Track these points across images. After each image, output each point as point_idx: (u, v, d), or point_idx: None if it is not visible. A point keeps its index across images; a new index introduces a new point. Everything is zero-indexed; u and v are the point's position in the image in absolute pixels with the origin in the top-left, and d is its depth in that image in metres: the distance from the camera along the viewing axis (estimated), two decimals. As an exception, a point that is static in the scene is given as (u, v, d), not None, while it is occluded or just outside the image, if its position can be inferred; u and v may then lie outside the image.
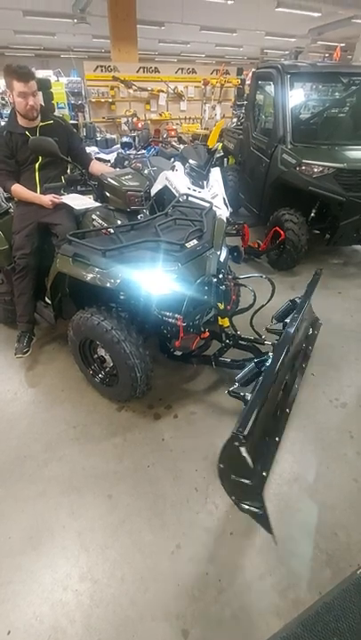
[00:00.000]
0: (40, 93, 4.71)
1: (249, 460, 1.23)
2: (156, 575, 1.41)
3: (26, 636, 1.25)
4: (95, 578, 1.41)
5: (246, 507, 1.37)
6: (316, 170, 3.19)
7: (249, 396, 1.65)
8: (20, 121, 2.16)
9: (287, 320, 2.14)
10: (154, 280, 1.71)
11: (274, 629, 1.24)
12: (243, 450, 1.21)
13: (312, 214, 3.47)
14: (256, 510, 1.33)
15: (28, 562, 1.45)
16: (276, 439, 1.64)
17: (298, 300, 2.15)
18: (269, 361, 1.71)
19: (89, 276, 1.73)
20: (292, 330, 1.80)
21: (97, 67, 8.14)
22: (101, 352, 2.05)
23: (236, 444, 1.22)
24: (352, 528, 1.56)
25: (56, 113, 5.33)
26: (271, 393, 1.49)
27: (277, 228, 3.51)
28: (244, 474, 1.30)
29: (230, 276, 2.27)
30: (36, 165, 2.22)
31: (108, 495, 1.68)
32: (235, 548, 1.50)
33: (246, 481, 1.31)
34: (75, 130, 2.62)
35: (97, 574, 1.42)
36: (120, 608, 1.33)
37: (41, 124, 2.21)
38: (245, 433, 1.21)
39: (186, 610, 1.32)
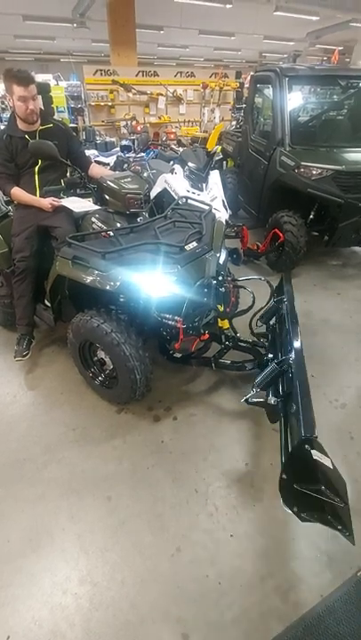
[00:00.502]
0: (40, 97, 4.74)
1: (326, 460, 1.15)
2: (156, 578, 1.41)
3: (25, 641, 1.25)
4: (95, 581, 1.40)
5: (315, 516, 1.24)
6: (314, 172, 3.21)
7: (272, 401, 1.63)
8: (20, 125, 2.17)
9: (271, 322, 2.14)
10: (153, 282, 1.71)
11: (275, 632, 1.24)
12: (315, 452, 1.15)
13: (311, 216, 3.48)
14: (328, 517, 1.20)
15: (28, 565, 1.44)
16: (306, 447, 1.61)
17: (284, 301, 2.14)
18: (292, 356, 1.67)
19: (88, 279, 1.73)
20: (296, 328, 1.80)
21: (96, 70, 8.19)
22: (101, 354, 2.05)
23: (307, 447, 1.15)
24: (353, 530, 1.55)
25: (56, 117, 5.35)
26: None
27: (276, 229, 3.52)
28: (316, 479, 1.20)
29: (229, 278, 2.27)
30: (36, 169, 2.23)
31: (107, 497, 1.67)
32: (235, 550, 1.49)
33: (320, 487, 1.20)
34: (74, 133, 2.63)
35: (97, 577, 1.41)
36: (120, 611, 1.32)
37: (40, 127, 2.22)
38: (315, 434, 1.15)
39: (186, 613, 1.31)
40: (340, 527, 1.18)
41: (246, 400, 1.70)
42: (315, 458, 1.15)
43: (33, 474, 1.78)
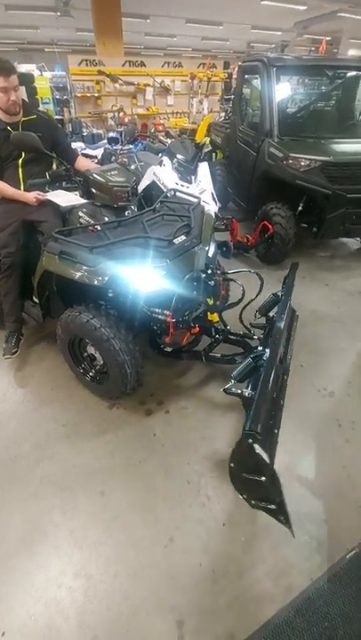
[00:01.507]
0: (23, 88, 4.63)
1: (265, 456, 1.21)
2: (149, 569, 1.42)
3: (20, 636, 1.25)
4: (89, 574, 1.41)
5: (261, 504, 1.33)
6: (302, 163, 3.21)
7: (247, 393, 1.66)
8: (2, 116, 2.12)
9: (271, 314, 2.16)
10: (142, 277, 1.70)
11: (267, 616, 1.27)
12: (257, 447, 1.20)
13: (299, 208, 3.49)
14: (271, 507, 1.30)
15: (21, 562, 1.44)
16: (275, 431, 1.65)
17: (280, 294, 2.16)
18: (267, 354, 1.70)
19: (76, 274, 1.72)
20: (281, 323, 1.82)
21: (82, 60, 8.04)
22: (91, 350, 2.04)
23: (251, 441, 1.20)
24: (341, 515, 1.59)
25: (40, 108, 5.24)
26: (272, 386, 1.49)
27: (266, 222, 3.52)
28: (258, 471, 1.26)
29: (219, 272, 2.27)
30: (20, 161, 2.19)
31: (100, 492, 1.68)
32: (228, 538, 1.52)
33: (261, 478, 1.27)
34: (59, 125, 2.58)
35: (91, 571, 1.42)
36: (114, 603, 1.34)
37: (23, 118, 2.17)
38: (259, 430, 1.20)
39: (180, 602, 1.33)
40: (281, 518, 1.27)
41: (225, 390, 1.72)
42: (257, 452, 1.20)
43: (24, 471, 1.77)
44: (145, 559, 1.45)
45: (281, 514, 1.26)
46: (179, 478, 1.73)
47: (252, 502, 1.33)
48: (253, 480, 1.26)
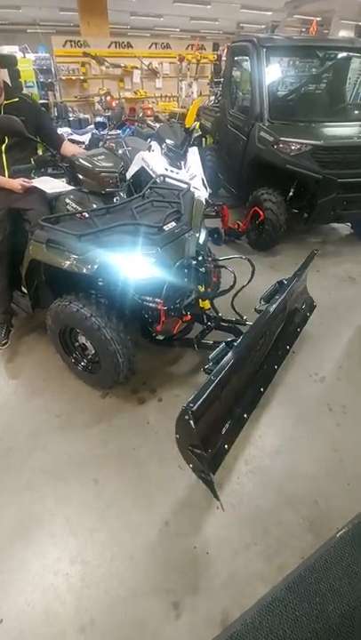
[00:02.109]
0: (5, 70, 4.48)
1: (196, 433, 1.29)
2: (145, 553, 1.44)
3: (18, 623, 1.27)
4: (85, 560, 1.43)
5: (202, 475, 1.44)
6: (293, 147, 3.17)
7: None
8: (-17, 99, 2.04)
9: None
10: (132, 264, 1.68)
11: (260, 594, 1.30)
12: (192, 423, 1.26)
13: (290, 193, 3.46)
14: (208, 479, 1.40)
15: (18, 552, 1.45)
16: (245, 416, 1.69)
17: (285, 281, 2.14)
18: (239, 339, 1.72)
19: (65, 263, 1.68)
20: (271, 309, 1.81)
21: (66, 42, 7.77)
22: (82, 340, 2.02)
23: (186, 417, 1.27)
24: (332, 495, 1.63)
25: (25, 92, 5.06)
26: (237, 371, 1.53)
27: (257, 207, 3.49)
28: (195, 445, 1.36)
29: (210, 259, 2.26)
30: (3, 147, 2.11)
31: (94, 480, 1.69)
32: (221, 521, 1.54)
33: (198, 451, 1.37)
34: (43, 108, 2.50)
35: (87, 557, 1.44)
36: (111, 587, 1.36)
37: (5, 102, 2.09)
38: (195, 408, 1.26)
39: (176, 583, 1.36)
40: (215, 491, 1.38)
41: (205, 369, 1.72)
42: (192, 427, 1.27)
43: (18, 462, 1.77)
44: (141, 543, 1.47)
45: (211, 487, 1.39)
46: (172, 464, 1.75)
47: (196, 472, 1.42)
48: (191, 452, 1.36)
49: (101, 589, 1.35)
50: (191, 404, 1.27)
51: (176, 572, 1.39)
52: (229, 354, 1.55)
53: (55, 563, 1.43)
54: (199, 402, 1.29)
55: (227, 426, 1.60)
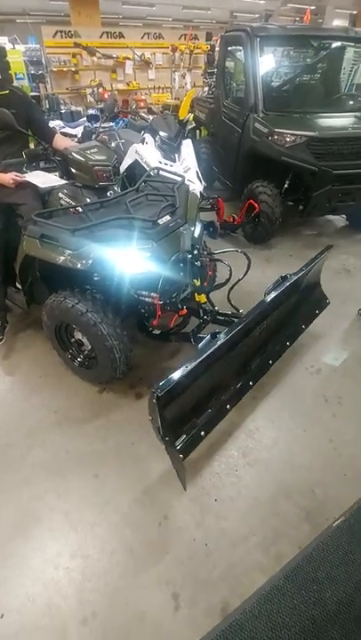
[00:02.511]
0: (-6, 62, 4.34)
1: (158, 417, 1.34)
2: (145, 546, 1.46)
3: (19, 617, 1.28)
4: (86, 554, 1.44)
5: (171, 456, 1.49)
6: (288, 139, 3.15)
7: None
8: (-28, 92, 2.00)
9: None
10: (127, 259, 1.67)
11: (259, 584, 1.33)
12: (157, 408, 1.31)
13: (285, 185, 3.44)
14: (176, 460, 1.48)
15: (18, 547, 1.46)
16: (227, 407, 1.72)
17: (289, 275, 2.07)
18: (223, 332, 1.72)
19: (59, 258, 1.67)
20: (264, 304, 1.79)
21: (56, 32, 7.62)
22: (78, 335, 2.02)
23: (154, 401, 1.30)
24: (328, 485, 1.65)
25: (15, 84, 4.95)
26: (215, 362, 1.55)
27: (252, 200, 3.48)
28: (159, 428, 1.40)
29: (206, 252, 2.25)
30: (-6, 141, 2.08)
31: (94, 475, 1.70)
32: (220, 513, 1.56)
33: (164, 435, 1.42)
34: (34, 101, 2.45)
35: (87, 550, 1.45)
36: (112, 580, 1.37)
37: (-4, 94, 2.05)
38: (160, 394, 1.29)
39: (175, 575, 1.38)
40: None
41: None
42: (157, 411, 1.33)
43: (16, 459, 1.77)
44: (140, 536, 1.49)
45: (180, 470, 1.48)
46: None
47: (168, 453, 1.47)
48: (159, 434, 1.41)
49: (102, 582, 1.37)
50: (159, 390, 1.30)
51: (176, 563, 1.41)
52: (213, 346, 1.56)
53: (55, 557, 1.44)
54: (166, 389, 1.32)
55: (206, 414, 1.65)
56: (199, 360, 1.44)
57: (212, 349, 1.51)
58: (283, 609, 1.22)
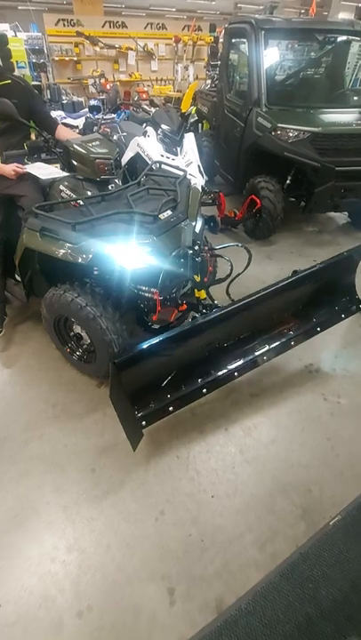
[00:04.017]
0: (-5, 50, 4.29)
1: (116, 385, 1.43)
2: (141, 541, 1.46)
3: (16, 608, 1.29)
4: (82, 548, 1.44)
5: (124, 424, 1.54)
6: (291, 134, 3.12)
7: None
8: (-28, 80, 1.97)
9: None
10: (128, 254, 1.65)
11: (254, 581, 1.33)
12: (116, 375, 1.41)
13: (288, 181, 3.41)
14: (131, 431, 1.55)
15: (14, 539, 1.47)
16: (204, 390, 1.74)
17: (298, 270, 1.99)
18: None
19: (59, 252, 1.66)
20: (254, 296, 1.74)
21: (58, 20, 7.50)
22: (77, 329, 2.01)
23: (111, 369, 1.39)
24: (325, 484, 1.66)
25: (16, 73, 4.90)
26: (181, 342, 1.61)
27: (253, 196, 3.45)
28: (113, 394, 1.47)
29: (207, 247, 2.23)
30: (-6, 131, 2.05)
31: (91, 469, 1.70)
32: (216, 509, 1.56)
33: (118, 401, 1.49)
34: (36, 91, 2.41)
35: (84, 544, 1.45)
36: (108, 573, 1.38)
37: (-4, 84, 2.02)
38: (117, 361, 1.40)
39: (171, 570, 1.38)
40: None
41: None
42: (115, 379, 1.43)
43: (14, 452, 1.77)
44: (137, 531, 1.49)
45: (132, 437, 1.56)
46: (168, 453, 1.76)
47: (120, 419, 1.52)
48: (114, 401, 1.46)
49: (98, 576, 1.37)
50: (116, 359, 1.40)
51: (171, 558, 1.42)
52: (179, 329, 1.60)
53: (52, 550, 1.44)
54: (123, 359, 1.43)
55: (179, 391, 1.70)
56: (162, 338, 1.50)
57: (181, 328, 1.57)
58: (277, 606, 1.22)
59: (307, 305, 2.13)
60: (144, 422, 1.61)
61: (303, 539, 1.45)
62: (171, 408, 1.66)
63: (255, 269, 2.15)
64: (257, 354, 1.93)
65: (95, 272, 1.91)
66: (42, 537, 1.48)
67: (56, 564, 1.40)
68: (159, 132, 3.25)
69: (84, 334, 1.98)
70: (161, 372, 1.68)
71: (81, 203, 1.86)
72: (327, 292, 2.14)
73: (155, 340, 1.50)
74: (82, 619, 1.27)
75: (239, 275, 2.05)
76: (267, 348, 1.96)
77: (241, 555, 1.43)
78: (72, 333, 2.07)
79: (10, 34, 6.75)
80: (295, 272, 1.98)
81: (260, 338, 1.99)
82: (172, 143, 3.22)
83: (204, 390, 1.74)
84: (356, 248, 2.08)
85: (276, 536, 1.48)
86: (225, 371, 1.82)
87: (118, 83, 7.84)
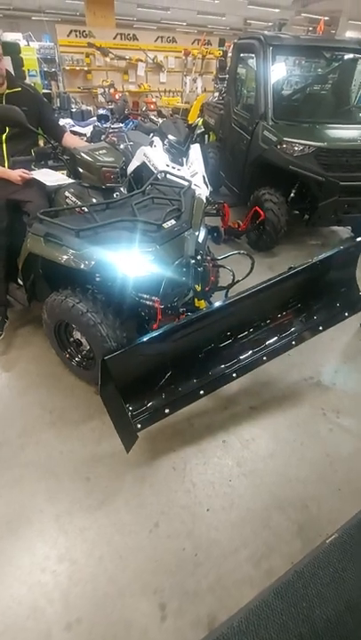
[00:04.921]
0: (8, 58, 4.43)
1: (106, 381, 1.44)
2: (134, 553, 1.44)
3: (4, 618, 1.26)
4: (74, 558, 1.42)
5: (117, 426, 1.54)
6: (296, 148, 3.15)
7: None
8: (-16, 87, 2.00)
9: None
10: (130, 261, 1.66)
11: (248, 598, 1.30)
12: (106, 373, 1.42)
13: (292, 194, 3.44)
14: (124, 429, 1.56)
15: (5, 547, 1.44)
16: (201, 392, 1.73)
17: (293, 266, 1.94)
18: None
19: (62, 257, 1.66)
20: (244, 294, 1.71)
21: (71, 31, 7.66)
22: (77, 335, 2.01)
23: (105, 364, 1.41)
24: (322, 500, 1.63)
25: (27, 81, 4.99)
26: (172, 341, 1.61)
27: (257, 207, 3.47)
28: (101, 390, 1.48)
29: (209, 257, 2.24)
30: (3, 137, 2.08)
31: (86, 478, 1.68)
32: (211, 523, 1.54)
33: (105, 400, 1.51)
34: (45, 99, 2.45)
35: (75, 555, 1.43)
36: (99, 586, 1.35)
37: (7, 91, 2.06)
38: (107, 358, 1.41)
39: (164, 584, 1.36)
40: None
41: None
42: (105, 376, 1.43)
43: (9, 457, 1.76)
44: (130, 543, 1.47)
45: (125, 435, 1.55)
46: (165, 465, 1.74)
47: (113, 421, 1.54)
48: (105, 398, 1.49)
49: (89, 588, 1.35)
50: (109, 356, 1.41)
51: (164, 572, 1.39)
52: (168, 327, 1.59)
53: (43, 560, 1.42)
54: (113, 355, 1.43)
55: (175, 393, 1.70)
56: (151, 336, 1.51)
57: (171, 326, 1.57)
58: (271, 625, 1.19)
59: (307, 302, 2.09)
60: (139, 425, 1.59)
61: (299, 556, 1.42)
62: (167, 410, 1.65)
63: (256, 280, 2.14)
64: (256, 354, 1.89)
65: (97, 279, 1.92)
66: (34, 545, 1.45)
67: (46, 575, 1.38)
68: (166, 142, 3.30)
69: (83, 340, 1.98)
70: (154, 370, 1.66)
71: (86, 210, 1.87)
72: (328, 289, 2.13)
73: (147, 337, 1.51)
74: (71, 631, 1.24)
75: (239, 281, 2.05)
76: (266, 347, 1.92)
77: (235, 570, 1.40)
78: (72, 339, 2.07)
79: (23, 43, 6.90)
80: (291, 268, 1.95)
81: (258, 337, 1.96)
82: (178, 153, 3.27)
83: (202, 392, 1.73)
84: (355, 243, 2.10)
85: (272, 552, 1.45)
86: (222, 372, 1.81)
87: (127, 93, 7.98)
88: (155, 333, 1.54)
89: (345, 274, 2.18)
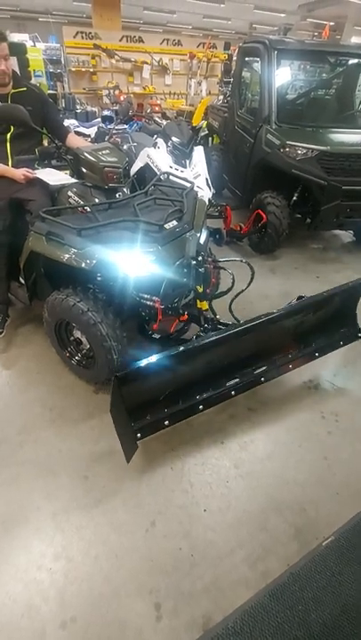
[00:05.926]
0: (14, 59, 4.45)
1: (116, 398, 1.44)
2: (130, 552, 1.44)
3: (-1, 615, 1.26)
4: (70, 557, 1.42)
5: (120, 436, 1.54)
6: (299, 152, 3.16)
7: None
8: (-11, 87, 2.02)
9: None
10: (131, 261, 1.67)
11: (243, 599, 1.30)
12: (117, 391, 1.42)
13: (294, 198, 3.45)
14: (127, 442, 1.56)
15: (1, 544, 1.44)
16: (200, 407, 1.74)
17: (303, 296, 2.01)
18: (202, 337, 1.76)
19: (63, 256, 1.67)
20: (260, 318, 1.74)
21: (77, 33, 7.72)
22: (77, 334, 2.01)
23: (113, 383, 1.40)
24: (320, 503, 1.63)
25: (33, 81, 5.02)
26: (183, 362, 1.63)
27: (260, 210, 3.48)
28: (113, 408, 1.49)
29: (210, 259, 2.24)
30: (8, 136, 2.09)
31: (84, 476, 1.68)
32: (208, 524, 1.54)
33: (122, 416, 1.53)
34: (50, 100, 2.47)
35: (72, 553, 1.43)
36: (94, 585, 1.35)
37: (13, 91, 2.07)
38: (119, 375, 1.41)
39: (159, 584, 1.36)
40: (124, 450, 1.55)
41: None
42: (117, 393, 1.44)
43: (7, 455, 1.76)
44: (126, 542, 1.47)
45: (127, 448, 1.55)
46: (162, 464, 1.74)
47: (117, 431, 1.53)
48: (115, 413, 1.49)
49: (84, 587, 1.35)
50: (118, 373, 1.42)
51: (160, 572, 1.39)
52: (179, 349, 1.59)
53: (39, 558, 1.41)
54: (126, 373, 1.45)
55: (176, 406, 1.70)
56: (163, 356, 1.51)
57: (182, 348, 1.57)
58: (266, 627, 1.19)
59: (307, 330, 2.13)
60: (139, 434, 1.59)
61: (295, 558, 1.42)
62: (167, 422, 1.65)
63: (258, 283, 2.16)
64: (255, 374, 1.91)
65: (98, 278, 1.92)
66: (30, 543, 1.45)
67: (42, 572, 1.38)
68: (169, 144, 3.32)
69: (83, 339, 1.98)
70: (161, 387, 1.66)
71: (88, 209, 1.88)
72: (330, 319, 2.18)
73: (158, 357, 1.50)
74: (65, 630, 1.24)
75: (242, 291, 2.05)
76: (266, 369, 1.94)
77: (231, 572, 1.40)
78: (72, 338, 2.07)
79: (29, 44, 6.95)
80: (300, 298, 2.00)
81: (260, 359, 1.97)
82: (181, 155, 3.28)
83: (201, 407, 1.73)
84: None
85: (268, 554, 1.45)
86: (223, 389, 1.81)
87: (132, 95, 8.02)
88: (168, 353, 1.53)
89: (349, 308, 2.24)
